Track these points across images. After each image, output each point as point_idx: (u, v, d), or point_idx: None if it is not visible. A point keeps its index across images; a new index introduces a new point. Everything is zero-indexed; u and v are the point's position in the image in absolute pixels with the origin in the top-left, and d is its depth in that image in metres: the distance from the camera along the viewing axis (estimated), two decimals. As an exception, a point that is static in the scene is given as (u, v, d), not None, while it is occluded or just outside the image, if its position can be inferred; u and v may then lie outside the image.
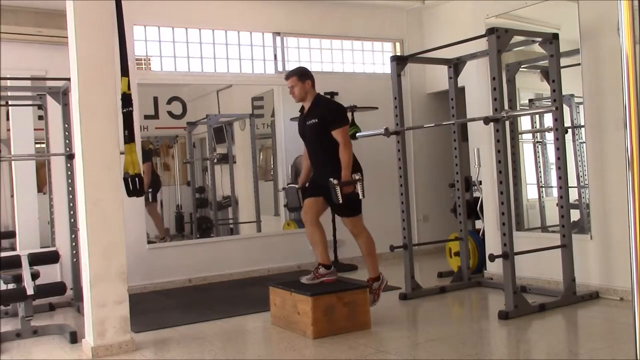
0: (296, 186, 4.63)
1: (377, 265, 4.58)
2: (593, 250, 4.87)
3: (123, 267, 4.01)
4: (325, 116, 4.38)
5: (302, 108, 4.60)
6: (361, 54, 7.70)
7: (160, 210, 7.51)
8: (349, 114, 6.54)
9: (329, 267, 4.42)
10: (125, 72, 3.81)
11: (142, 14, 6.30)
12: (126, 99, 3.76)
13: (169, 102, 7.28)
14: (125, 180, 3.72)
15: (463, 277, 5.62)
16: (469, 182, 6.32)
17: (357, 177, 4.29)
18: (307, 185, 4.61)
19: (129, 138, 3.76)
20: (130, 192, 3.76)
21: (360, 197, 4.34)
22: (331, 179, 4.20)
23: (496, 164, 4.47)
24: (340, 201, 4.22)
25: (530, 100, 6.05)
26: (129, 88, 3.79)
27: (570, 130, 5.24)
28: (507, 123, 4.83)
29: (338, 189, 4.18)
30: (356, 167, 4.38)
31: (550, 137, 5.46)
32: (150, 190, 7.09)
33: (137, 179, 3.72)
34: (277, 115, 7.60)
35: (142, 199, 6.26)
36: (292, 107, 7.53)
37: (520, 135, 5.77)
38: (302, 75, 4.49)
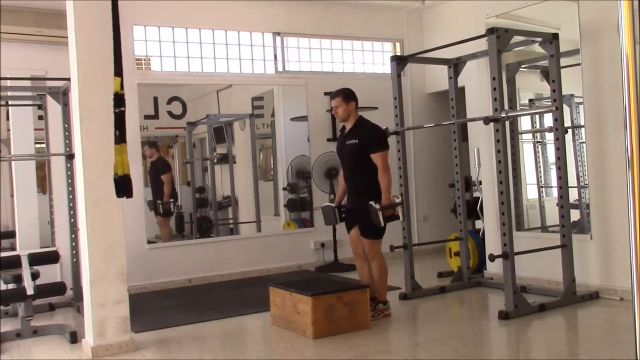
0: (333, 205, 4.68)
1: (386, 291, 4.61)
2: (593, 250, 4.87)
3: (123, 267, 4.01)
4: (366, 138, 4.44)
5: (343, 128, 4.67)
6: (361, 54, 7.70)
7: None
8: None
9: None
10: (118, 71, 3.77)
11: (142, 14, 6.30)
12: (118, 99, 3.72)
13: (169, 102, 7.27)
14: (115, 180, 3.67)
15: (463, 277, 5.62)
16: (469, 182, 6.32)
17: (397, 201, 4.35)
18: (342, 208, 4.65)
19: (120, 138, 3.71)
20: (119, 193, 3.70)
21: (401, 219, 4.44)
22: (372, 203, 4.26)
23: (496, 164, 4.47)
24: (382, 224, 4.28)
25: (530, 100, 6.05)
26: (122, 88, 3.75)
27: (570, 130, 5.24)
28: (507, 123, 4.82)
29: (380, 213, 4.23)
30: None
31: (550, 137, 5.46)
32: (171, 200, 7.10)
33: (126, 179, 3.67)
34: (277, 115, 7.59)
35: (142, 204, 6.28)
36: (292, 107, 7.57)
37: (520, 135, 5.77)
38: (348, 96, 4.54)
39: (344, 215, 4.63)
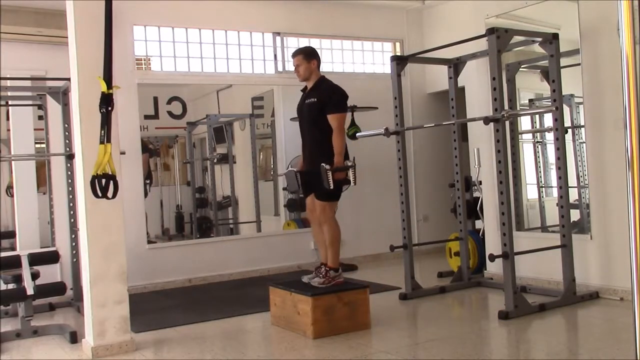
0: (294, 169, 4.48)
1: (338, 257, 4.39)
2: (593, 250, 4.87)
3: (123, 267, 4.01)
4: (324, 98, 4.31)
5: (305, 88, 4.53)
6: (361, 54, 7.70)
7: (160, 209, 7.50)
8: (349, 114, 6.53)
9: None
10: (105, 74, 3.73)
11: (142, 14, 6.30)
12: (104, 99, 3.69)
13: (169, 102, 7.28)
14: (92, 181, 3.58)
15: (463, 277, 5.62)
16: (469, 182, 6.32)
17: (349, 164, 4.19)
18: (298, 174, 4.43)
19: (104, 138, 3.66)
20: (94, 193, 3.58)
21: (352, 184, 4.25)
22: (323, 164, 4.10)
23: (496, 164, 4.47)
24: (332, 187, 4.11)
25: (530, 100, 6.05)
26: (109, 88, 3.72)
27: (570, 130, 5.24)
28: (507, 123, 4.82)
29: (330, 174, 4.08)
30: (346, 155, 4.28)
31: (550, 137, 5.46)
32: (147, 182, 7.04)
33: (104, 180, 3.60)
34: (277, 115, 7.59)
35: (142, 204, 6.27)
36: (292, 107, 7.53)
37: (520, 135, 5.77)
38: (309, 54, 4.45)
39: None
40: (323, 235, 4.38)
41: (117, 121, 4.03)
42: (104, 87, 3.68)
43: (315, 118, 4.33)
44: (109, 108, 3.68)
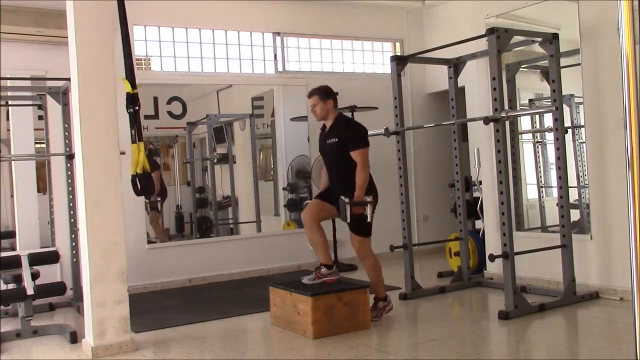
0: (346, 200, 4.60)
1: (384, 288, 4.57)
2: (593, 250, 4.87)
3: (123, 267, 4.01)
4: (345, 137, 4.39)
5: (324, 126, 4.61)
6: (361, 54, 7.70)
7: (161, 218, 7.49)
8: (349, 114, 6.54)
9: (330, 267, 4.40)
10: (128, 73, 3.78)
11: (142, 14, 6.30)
12: (130, 99, 3.74)
13: (169, 102, 7.27)
14: (133, 179, 3.69)
15: (463, 277, 5.62)
16: (469, 182, 6.32)
17: (368, 200, 4.28)
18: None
19: (136, 137, 3.73)
20: (138, 192, 3.72)
21: (368, 219, 4.33)
22: (342, 197, 4.20)
23: (496, 164, 4.47)
24: (348, 220, 4.23)
25: (530, 100, 6.05)
26: (133, 87, 3.77)
27: (570, 130, 5.24)
28: (507, 123, 4.82)
29: (348, 207, 4.18)
30: (370, 190, 4.35)
31: (550, 137, 5.46)
32: (159, 199, 7.08)
33: (142, 178, 3.67)
34: (277, 115, 7.60)
35: (142, 204, 6.27)
36: (292, 107, 7.57)
37: (520, 135, 5.77)
38: (325, 94, 4.49)
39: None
40: (315, 236, 4.39)
41: (117, 121, 4.04)
42: (128, 88, 3.72)
43: (339, 157, 4.41)
44: (136, 107, 3.72)
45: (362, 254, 4.46)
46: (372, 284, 4.52)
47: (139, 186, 3.64)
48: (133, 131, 3.70)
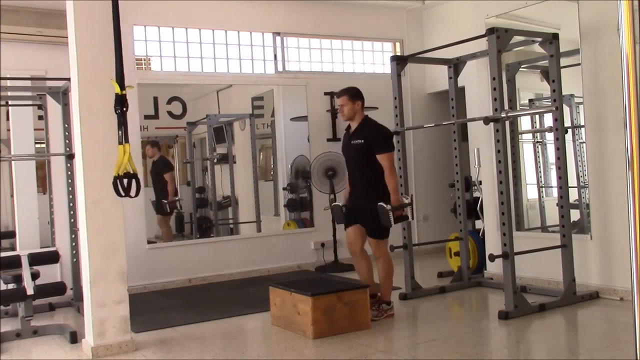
0: (340, 204, 4.65)
1: (390, 291, 4.61)
2: (593, 250, 4.87)
3: (123, 267, 4.01)
4: (371, 139, 4.41)
5: (349, 127, 4.64)
6: (361, 54, 7.70)
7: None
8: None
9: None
10: (117, 76, 3.75)
11: (142, 14, 6.30)
12: (119, 100, 3.72)
13: (169, 102, 7.27)
14: (114, 181, 3.63)
15: (463, 277, 5.62)
16: (469, 182, 6.32)
17: (407, 201, 4.34)
18: (344, 208, 4.60)
19: (122, 139, 3.69)
20: (119, 194, 3.63)
21: (410, 219, 4.44)
22: (382, 204, 4.23)
23: (496, 164, 4.47)
24: (393, 224, 4.28)
25: (530, 100, 6.05)
26: (122, 89, 3.74)
27: (570, 130, 5.24)
28: (507, 123, 4.82)
29: (391, 214, 4.22)
30: (385, 194, 4.36)
31: (550, 137, 5.46)
32: (176, 198, 7.11)
33: (126, 179, 3.63)
34: (277, 115, 7.59)
35: (142, 204, 6.26)
36: (292, 107, 7.57)
37: (520, 135, 5.77)
38: (354, 95, 4.53)
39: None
40: (364, 265, 4.53)
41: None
42: (117, 89, 3.70)
43: (363, 158, 4.44)
44: (124, 109, 3.70)
45: (378, 254, 4.51)
46: (380, 284, 4.55)
47: (119, 188, 3.61)
48: (120, 132, 3.68)
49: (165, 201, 6.84)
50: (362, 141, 4.43)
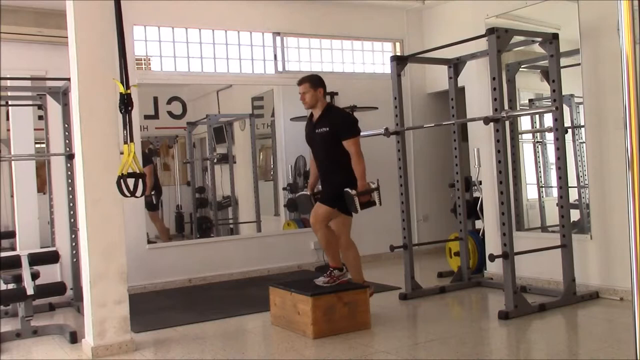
0: (307, 193, 4.65)
1: (339, 258, 4.52)
2: (593, 250, 4.87)
3: (123, 267, 4.01)
4: (336, 125, 4.40)
5: (311, 115, 4.60)
6: (361, 54, 7.70)
7: (161, 214, 7.49)
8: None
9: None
10: (122, 76, 3.76)
11: (142, 14, 6.30)
12: (123, 99, 3.72)
13: (169, 102, 7.28)
14: (118, 180, 3.63)
15: (463, 277, 5.62)
16: (469, 182, 6.31)
17: (373, 186, 4.31)
18: (316, 195, 4.61)
19: (127, 138, 3.70)
20: (123, 193, 3.65)
21: (378, 204, 4.37)
22: (348, 190, 4.22)
23: (496, 164, 4.47)
24: (359, 210, 4.26)
25: (530, 100, 6.05)
26: (127, 88, 3.75)
27: (570, 130, 5.24)
28: (507, 123, 4.83)
29: (356, 199, 4.21)
30: (352, 181, 4.34)
31: (550, 137, 5.46)
32: (153, 193, 7.06)
33: (129, 179, 3.63)
34: (277, 115, 7.60)
35: (142, 204, 6.26)
36: (292, 107, 7.56)
37: (520, 135, 5.77)
38: (315, 82, 4.52)
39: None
40: (328, 238, 4.44)
41: (117, 121, 4.03)
42: (121, 88, 3.70)
43: (329, 146, 4.43)
44: (129, 108, 3.70)
45: (339, 231, 4.49)
46: (328, 252, 4.51)
47: (123, 187, 3.61)
48: (125, 132, 3.69)
49: (147, 195, 6.77)
50: (327, 129, 4.41)
